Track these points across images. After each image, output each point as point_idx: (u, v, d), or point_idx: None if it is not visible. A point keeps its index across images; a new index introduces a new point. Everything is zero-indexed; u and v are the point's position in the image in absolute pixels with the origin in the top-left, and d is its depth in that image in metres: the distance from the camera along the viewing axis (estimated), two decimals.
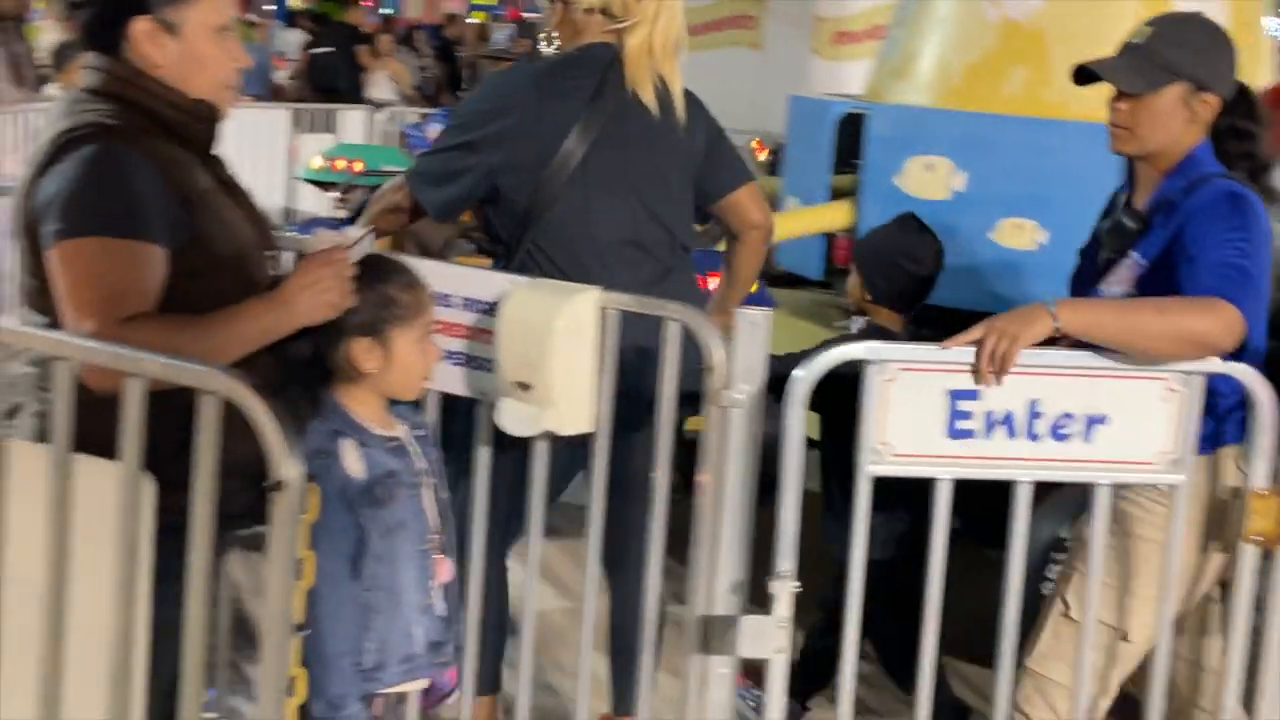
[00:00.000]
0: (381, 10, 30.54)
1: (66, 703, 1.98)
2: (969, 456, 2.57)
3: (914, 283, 3.64)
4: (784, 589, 2.48)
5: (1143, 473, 2.63)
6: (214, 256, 2.22)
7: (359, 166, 7.04)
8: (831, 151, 5.69)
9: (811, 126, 5.96)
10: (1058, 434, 2.60)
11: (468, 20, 32.18)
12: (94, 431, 1.92)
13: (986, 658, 2.77)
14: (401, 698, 2.49)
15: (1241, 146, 2.79)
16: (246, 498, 2.24)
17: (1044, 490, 3.70)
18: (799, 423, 2.51)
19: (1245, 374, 2.57)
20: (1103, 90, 5.41)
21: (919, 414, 2.55)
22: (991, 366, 2.50)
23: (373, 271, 2.36)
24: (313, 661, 2.26)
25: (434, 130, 5.49)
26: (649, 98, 3.26)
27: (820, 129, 5.77)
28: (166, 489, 1.93)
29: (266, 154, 8.75)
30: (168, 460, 1.93)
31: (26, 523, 1.99)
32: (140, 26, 2.24)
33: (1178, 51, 2.75)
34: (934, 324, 5.03)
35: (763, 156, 8.81)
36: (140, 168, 2.14)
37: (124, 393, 1.88)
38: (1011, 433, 2.58)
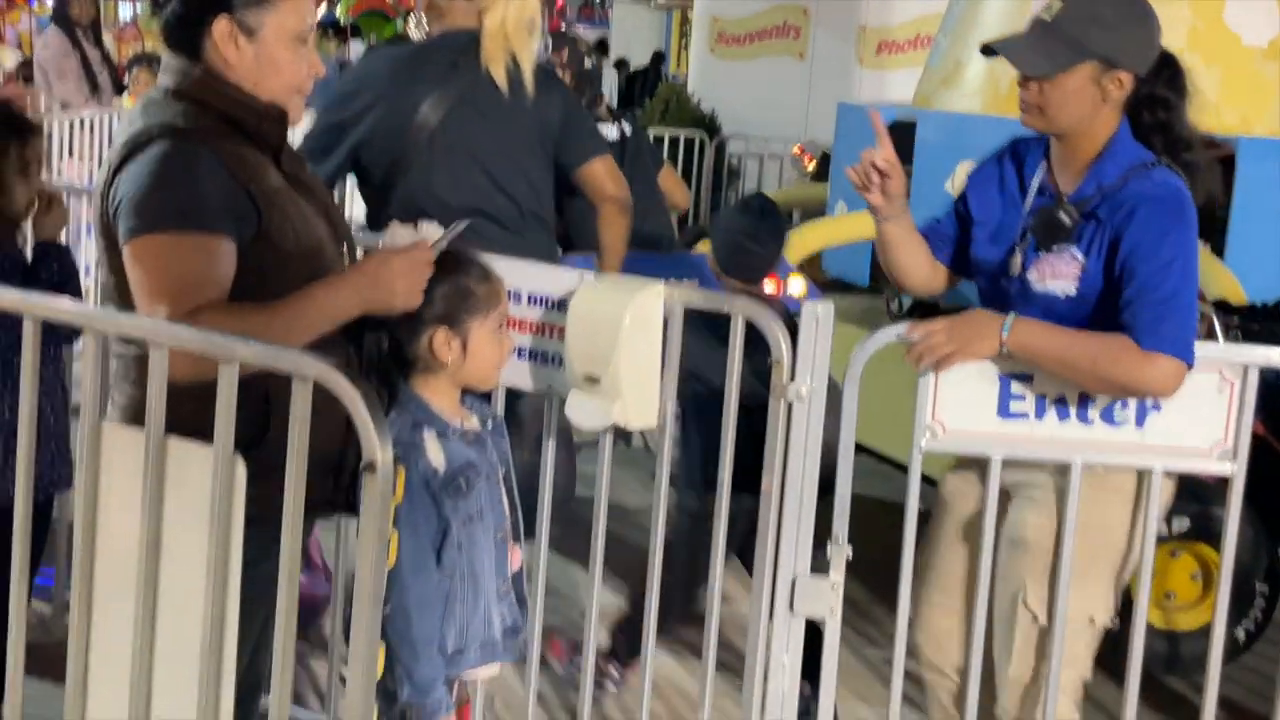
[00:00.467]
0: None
1: (159, 681, 2.04)
2: (1021, 437, 2.62)
3: (753, 258, 3.77)
4: (839, 553, 2.59)
5: (1196, 460, 2.67)
6: (284, 253, 2.26)
7: None
8: None
9: (860, 133, 5.99)
10: (1110, 419, 2.64)
11: None
12: (177, 419, 1.99)
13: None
14: (472, 684, 2.55)
15: (1156, 116, 2.65)
16: (323, 487, 2.31)
17: None
18: (853, 401, 2.62)
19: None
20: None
21: (972, 394, 2.61)
22: (926, 360, 2.59)
23: (450, 265, 2.41)
24: (400, 647, 2.31)
25: None
26: (500, 76, 3.47)
27: (867, 136, 5.80)
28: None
29: None
30: (246, 450, 1.98)
31: (122, 504, 2.06)
32: (220, 26, 2.29)
33: (1086, 28, 2.59)
34: None
35: (810, 166, 8.82)
36: (207, 165, 2.19)
37: (218, 378, 1.94)
38: (1064, 415, 2.63)
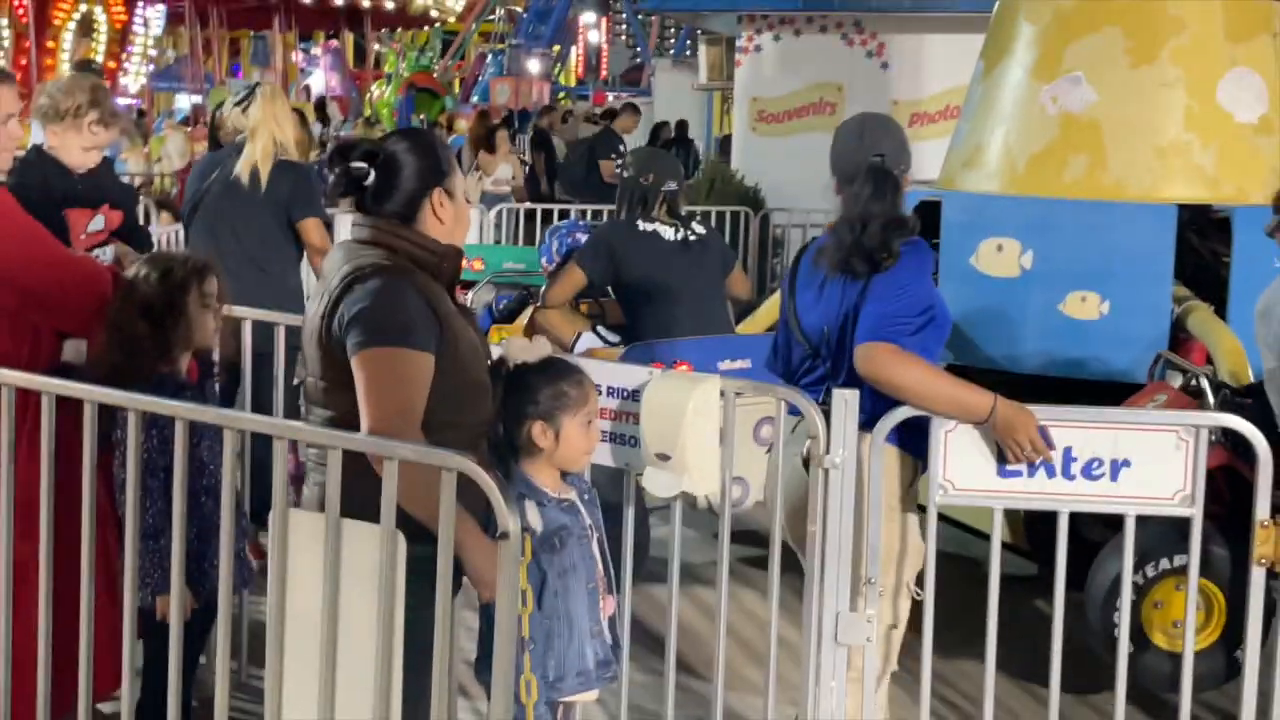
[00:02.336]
0: (472, 101, 31.71)
1: None
2: (1017, 491, 3.20)
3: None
4: (873, 591, 3.19)
5: (1162, 506, 3.22)
6: (457, 362, 2.84)
7: (478, 265, 7.60)
8: None
9: None
10: (1090, 474, 3.19)
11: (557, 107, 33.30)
12: (358, 498, 2.58)
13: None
14: (571, 706, 3.13)
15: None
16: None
17: (1110, 533, 4.27)
18: (879, 458, 3.20)
19: (1241, 425, 3.16)
20: (1156, 174, 5.96)
21: (975, 457, 3.19)
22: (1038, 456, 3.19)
23: (550, 369, 3.02)
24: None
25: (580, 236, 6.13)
26: (245, 172, 5.39)
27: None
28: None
29: None
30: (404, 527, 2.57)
31: (306, 573, 2.65)
32: (436, 195, 2.90)
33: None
34: (1020, 389, 5.60)
35: None
36: (412, 294, 2.79)
37: (383, 471, 2.54)
38: (1051, 473, 3.19)
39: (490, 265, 7.38)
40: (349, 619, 2.60)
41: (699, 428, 3.24)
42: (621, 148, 13.00)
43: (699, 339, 4.93)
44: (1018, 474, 3.19)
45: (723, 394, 3.31)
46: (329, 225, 5.89)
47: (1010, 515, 5.40)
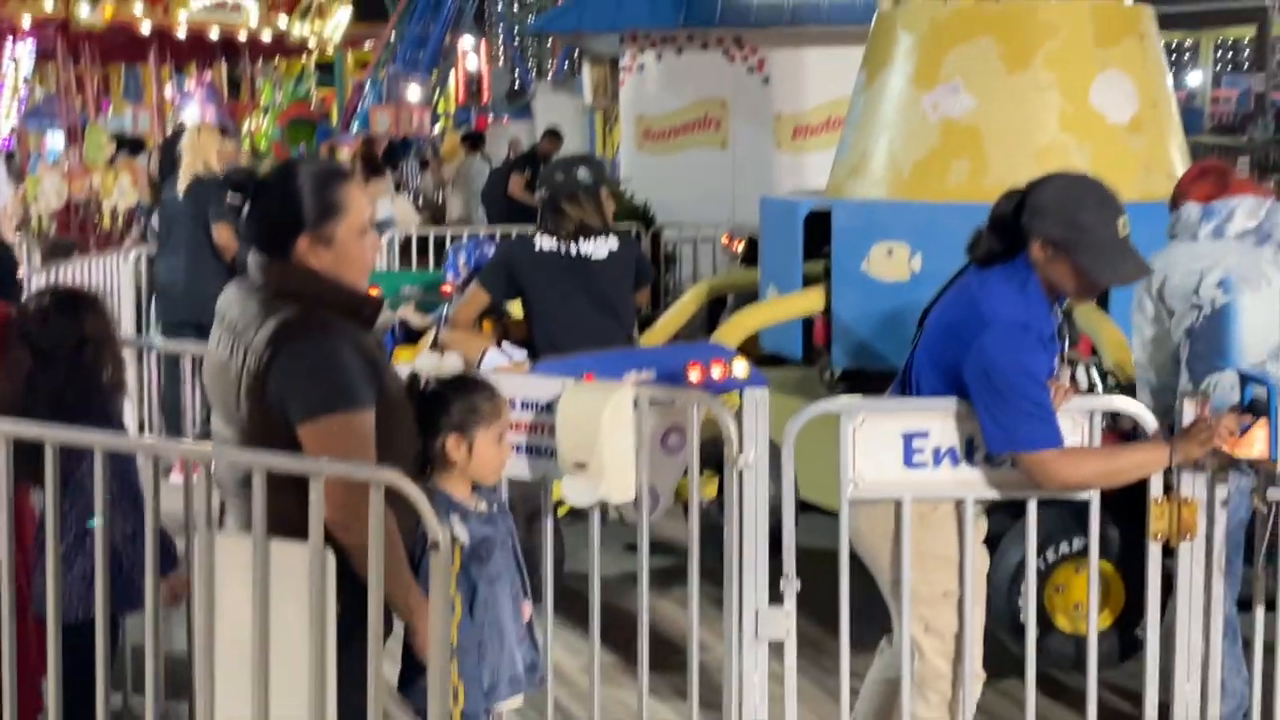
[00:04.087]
0: (353, 130, 31.51)
1: None
2: (925, 482, 3.29)
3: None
4: (790, 586, 3.28)
5: (1062, 491, 3.31)
6: (390, 401, 2.81)
7: (374, 291, 7.57)
8: (801, 245, 6.43)
9: (782, 224, 6.71)
10: (991, 461, 3.30)
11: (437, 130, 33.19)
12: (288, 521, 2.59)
13: None
14: (500, 715, 3.17)
15: None
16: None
17: (1009, 521, 4.41)
18: (790, 461, 3.27)
19: (1130, 405, 3.30)
20: (1035, 175, 6.17)
21: (881, 450, 3.28)
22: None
23: (462, 384, 3.07)
24: None
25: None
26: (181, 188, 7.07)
27: (790, 225, 6.52)
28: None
29: None
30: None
31: (234, 597, 2.66)
32: (301, 243, 2.79)
33: None
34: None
35: (739, 249, 9.51)
36: (348, 353, 2.74)
37: (310, 490, 2.56)
38: (955, 461, 3.29)
39: (387, 291, 7.37)
40: (279, 640, 2.62)
41: (614, 435, 3.30)
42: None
43: (604, 352, 4.99)
44: (923, 465, 3.29)
45: (636, 402, 3.37)
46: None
47: None
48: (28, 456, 3.09)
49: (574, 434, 3.32)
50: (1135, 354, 4.33)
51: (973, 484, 3.30)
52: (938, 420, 3.29)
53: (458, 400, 3.06)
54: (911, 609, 3.31)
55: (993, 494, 3.33)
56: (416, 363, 3.10)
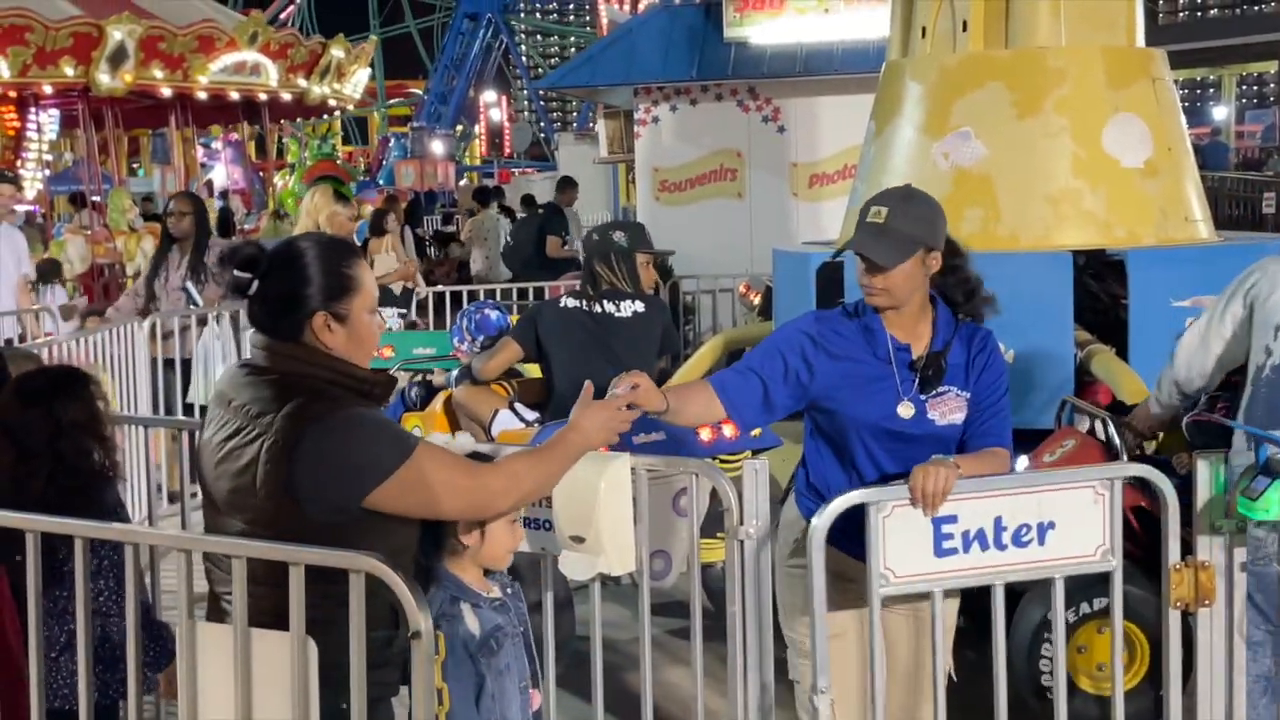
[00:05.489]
0: (377, 184, 31.71)
1: None
2: (955, 571, 3.11)
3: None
4: (823, 702, 3.07)
5: (1085, 564, 3.18)
6: None
7: (388, 353, 7.50)
8: (814, 296, 6.34)
9: (795, 275, 6.63)
10: (1020, 542, 3.14)
11: (462, 183, 33.36)
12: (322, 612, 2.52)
13: None
14: None
15: (956, 276, 3.46)
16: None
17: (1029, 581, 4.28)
18: (820, 559, 3.06)
19: (1150, 474, 3.18)
20: (1049, 222, 6.08)
21: (912, 541, 3.09)
22: (937, 507, 3.08)
23: None
24: None
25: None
26: None
27: (802, 277, 6.44)
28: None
29: None
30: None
31: (216, 685, 2.59)
32: (317, 320, 2.69)
33: (914, 225, 3.35)
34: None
35: (756, 300, 9.45)
36: (378, 415, 2.68)
37: (289, 577, 2.49)
38: (985, 546, 3.13)
39: (400, 352, 7.33)
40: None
41: (612, 507, 3.21)
42: (568, 225, 13.27)
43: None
44: (953, 552, 3.11)
45: (634, 470, 3.29)
46: None
47: None
48: (20, 547, 3.03)
49: (570, 507, 3.23)
50: (1188, 340, 4.20)
51: (1002, 569, 3.14)
52: (966, 504, 3.14)
53: None
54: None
55: (1021, 576, 3.17)
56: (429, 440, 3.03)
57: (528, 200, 18.65)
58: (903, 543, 3.11)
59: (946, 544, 3.14)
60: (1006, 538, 3.14)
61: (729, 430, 5.23)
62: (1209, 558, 3.11)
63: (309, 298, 2.70)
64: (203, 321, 7.99)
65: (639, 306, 5.37)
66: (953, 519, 3.15)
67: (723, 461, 5.01)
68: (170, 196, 10.48)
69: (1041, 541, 3.15)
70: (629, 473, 3.27)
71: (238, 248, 2.76)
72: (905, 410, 3.32)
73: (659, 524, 3.49)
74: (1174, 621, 3.20)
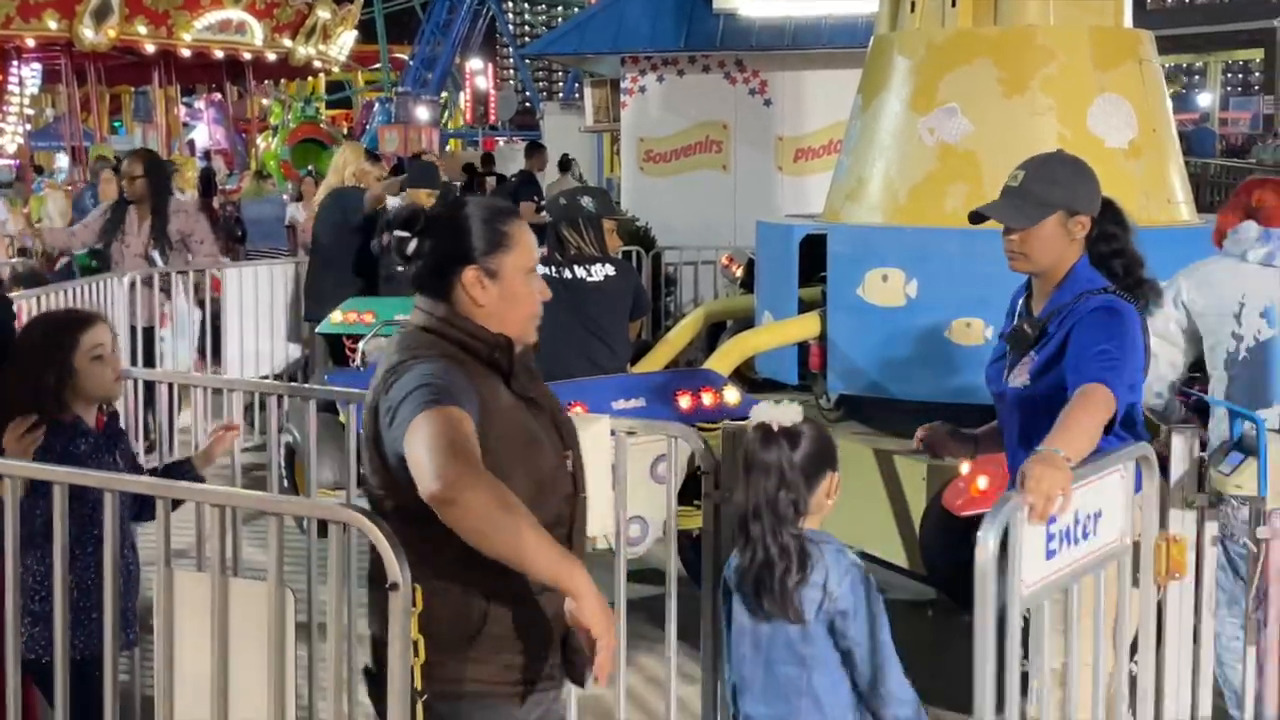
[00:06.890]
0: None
1: None
2: (1055, 574, 2.94)
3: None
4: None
5: (1117, 545, 3.10)
6: (501, 463, 2.52)
7: (369, 317, 7.48)
8: (796, 270, 6.36)
9: (778, 248, 6.64)
10: (1086, 534, 3.02)
11: (447, 150, 33.23)
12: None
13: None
14: None
15: (1111, 246, 3.36)
16: (549, 663, 2.65)
17: None
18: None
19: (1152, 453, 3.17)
20: None
21: (1034, 549, 2.86)
22: (1047, 512, 2.83)
23: None
24: None
25: None
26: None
27: (785, 250, 6.46)
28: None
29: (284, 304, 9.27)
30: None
31: (195, 634, 2.61)
32: (468, 275, 2.65)
33: (1048, 188, 3.33)
34: (902, 415, 5.66)
35: (738, 273, 9.44)
36: (453, 370, 2.55)
37: (270, 529, 2.50)
38: (1074, 541, 2.98)
39: (381, 316, 7.31)
40: (239, 679, 2.56)
41: (591, 468, 3.23)
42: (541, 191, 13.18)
43: (592, 379, 4.93)
44: (1055, 553, 2.95)
45: (613, 433, 3.30)
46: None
47: (906, 540, 5.45)
48: None
49: None
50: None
51: (1082, 564, 3.00)
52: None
53: None
54: None
55: (1093, 569, 3.04)
56: None
57: (468, 168, 18.73)
58: (1030, 552, 2.85)
59: (1051, 544, 2.94)
60: (1078, 531, 3.00)
61: (708, 398, 5.25)
62: (1180, 531, 3.14)
63: (461, 253, 2.66)
64: (166, 289, 7.95)
65: (610, 270, 5.39)
66: (1051, 520, 2.91)
67: (701, 428, 5.03)
68: (119, 158, 10.42)
69: (1096, 531, 3.05)
70: (608, 435, 3.29)
71: (397, 212, 2.77)
72: (1005, 371, 3.41)
73: (636, 490, 3.50)
74: (1150, 595, 3.22)
